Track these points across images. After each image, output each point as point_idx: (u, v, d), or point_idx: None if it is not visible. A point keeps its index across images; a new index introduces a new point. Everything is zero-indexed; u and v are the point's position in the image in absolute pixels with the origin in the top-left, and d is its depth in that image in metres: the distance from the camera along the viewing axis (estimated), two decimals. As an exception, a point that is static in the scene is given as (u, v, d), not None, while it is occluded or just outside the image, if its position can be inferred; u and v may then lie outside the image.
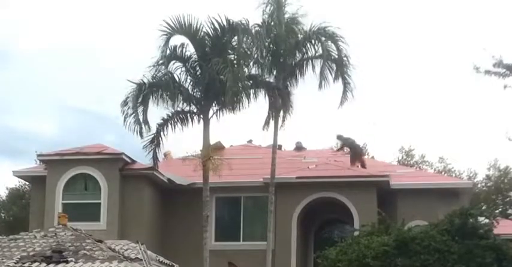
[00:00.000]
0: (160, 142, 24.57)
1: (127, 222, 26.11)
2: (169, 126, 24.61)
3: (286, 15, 26.07)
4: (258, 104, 25.42)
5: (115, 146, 27.60)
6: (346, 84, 25.84)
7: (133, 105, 23.78)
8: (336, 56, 25.78)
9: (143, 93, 23.99)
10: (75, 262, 17.98)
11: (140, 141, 24.32)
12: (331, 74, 25.81)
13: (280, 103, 25.62)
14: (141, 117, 23.90)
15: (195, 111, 24.64)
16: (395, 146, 46.48)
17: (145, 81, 24.13)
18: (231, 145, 33.31)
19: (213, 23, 23.92)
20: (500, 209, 41.34)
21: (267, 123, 25.96)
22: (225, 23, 23.80)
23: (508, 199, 43.03)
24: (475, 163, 55.53)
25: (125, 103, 24.01)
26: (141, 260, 18.83)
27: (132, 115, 23.81)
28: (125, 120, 23.91)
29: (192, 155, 28.12)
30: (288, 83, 26.13)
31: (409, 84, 54.46)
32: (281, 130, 26.22)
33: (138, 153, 25.87)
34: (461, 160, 58.98)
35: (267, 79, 25.82)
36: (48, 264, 18.02)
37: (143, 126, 23.83)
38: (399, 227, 21.32)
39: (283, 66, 25.94)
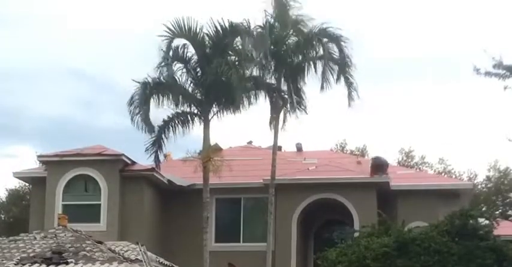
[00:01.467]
0: (162, 144, 24.58)
1: (127, 224, 26.11)
2: (171, 127, 24.61)
3: (288, 17, 26.04)
4: (259, 105, 25.49)
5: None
6: (349, 84, 25.79)
7: (140, 102, 23.85)
8: (338, 57, 25.75)
9: (147, 93, 24.04)
10: (75, 263, 17.98)
11: (143, 143, 24.45)
12: (333, 75, 25.77)
13: (281, 105, 25.61)
14: (144, 117, 23.99)
15: (195, 112, 24.64)
16: (395, 148, 46.54)
17: (150, 80, 24.20)
18: (231, 147, 33.30)
19: (214, 25, 23.95)
20: (500, 210, 41.38)
21: (271, 123, 25.92)
22: (226, 25, 23.83)
23: (508, 200, 43.06)
24: (475, 164, 55.62)
25: (130, 102, 24.07)
26: (141, 261, 18.81)
27: (139, 113, 23.90)
28: (132, 119, 24.02)
29: (192, 157, 28.13)
30: (289, 84, 26.08)
31: (410, 85, 54.49)
32: (282, 131, 26.21)
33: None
34: (462, 161, 59.13)
35: (268, 81, 25.81)
36: (48, 265, 18.01)
37: (148, 124, 23.94)
38: (399, 228, 21.31)
39: (284, 67, 25.92)
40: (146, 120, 23.92)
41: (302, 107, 26.14)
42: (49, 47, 53.39)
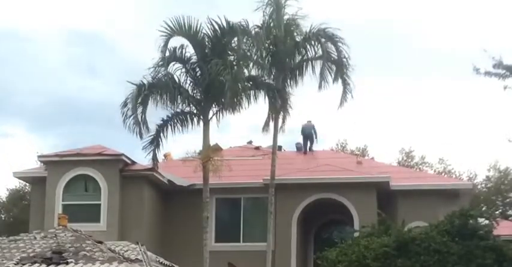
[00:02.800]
0: (160, 143, 24.53)
1: (127, 224, 26.12)
2: (169, 127, 24.58)
3: (286, 17, 26.06)
4: (258, 105, 25.48)
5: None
6: (345, 84, 25.82)
7: (132, 106, 23.79)
8: (336, 57, 25.76)
9: (143, 94, 23.99)
10: (75, 263, 17.99)
11: (140, 142, 24.38)
12: (331, 75, 25.80)
13: (279, 104, 25.61)
14: (140, 118, 23.89)
15: (194, 112, 24.63)
16: (395, 148, 46.60)
17: (145, 82, 24.13)
18: (230, 146, 33.31)
19: (212, 24, 23.91)
20: (500, 210, 41.42)
21: (267, 124, 25.95)
22: (224, 24, 23.79)
23: (508, 200, 43.08)
24: (475, 164, 55.69)
25: (124, 104, 24.03)
26: (141, 261, 18.81)
27: (132, 116, 23.83)
28: (124, 121, 23.93)
29: (192, 157, 28.13)
30: (288, 84, 26.10)
31: (410, 85, 54.55)
32: (281, 132, 26.20)
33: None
34: (462, 161, 59.17)
35: (267, 81, 25.81)
36: (48, 265, 18.02)
37: (142, 127, 23.82)
38: (399, 228, 21.31)
39: (282, 67, 25.93)
40: (139, 123, 23.83)
41: (300, 107, 26.17)
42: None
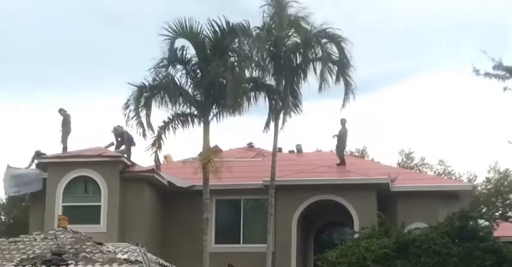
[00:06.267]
0: (162, 144, 24.62)
1: (127, 225, 26.11)
2: (171, 128, 24.63)
3: (287, 18, 26.02)
4: (259, 106, 25.51)
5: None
6: (347, 85, 25.80)
7: (134, 107, 23.88)
8: (337, 58, 25.74)
9: (144, 96, 24.05)
10: (75, 265, 18.00)
11: (143, 144, 24.49)
12: (332, 76, 25.77)
13: (280, 106, 25.62)
14: (144, 120, 24.03)
15: (195, 113, 24.66)
16: (395, 149, 46.57)
17: (146, 83, 24.20)
18: (230, 148, 33.31)
19: (213, 26, 23.98)
20: (500, 212, 41.34)
21: (267, 125, 25.93)
22: (225, 26, 23.83)
23: (508, 202, 43.00)
24: (475, 165, 55.68)
25: (126, 105, 24.09)
26: (141, 262, 18.81)
27: (135, 118, 23.94)
28: (127, 123, 24.04)
29: (192, 158, 28.16)
30: (289, 85, 26.07)
31: (409, 86, 54.56)
32: (281, 133, 26.20)
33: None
34: (462, 163, 59.11)
35: (268, 82, 25.81)
36: (48, 266, 18.03)
37: (146, 128, 23.96)
38: (399, 229, 21.33)
39: (283, 68, 25.90)
40: (142, 124, 23.94)
41: (300, 109, 26.11)
42: None
